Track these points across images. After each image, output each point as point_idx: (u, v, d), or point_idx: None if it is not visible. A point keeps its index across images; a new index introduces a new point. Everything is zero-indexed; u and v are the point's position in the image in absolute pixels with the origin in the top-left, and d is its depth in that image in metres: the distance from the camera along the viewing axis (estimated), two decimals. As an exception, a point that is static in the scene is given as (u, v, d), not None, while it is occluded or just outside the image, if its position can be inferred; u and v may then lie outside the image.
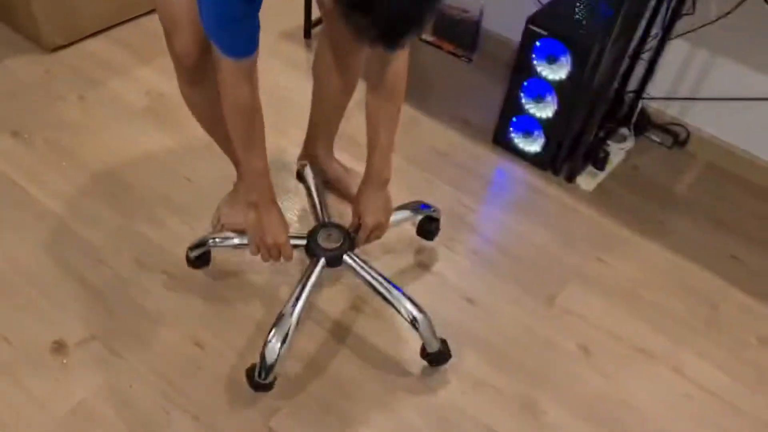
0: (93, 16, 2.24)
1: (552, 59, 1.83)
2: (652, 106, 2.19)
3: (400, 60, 1.34)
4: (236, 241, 1.57)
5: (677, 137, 2.17)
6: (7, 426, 1.34)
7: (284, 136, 1.99)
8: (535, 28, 1.80)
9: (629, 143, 2.16)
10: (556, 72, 1.85)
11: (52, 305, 1.55)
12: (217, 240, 1.62)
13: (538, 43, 1.82)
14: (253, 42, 1.20)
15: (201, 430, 1.38)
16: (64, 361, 1.45)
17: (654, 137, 2.20)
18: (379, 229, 1.51)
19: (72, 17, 2.18)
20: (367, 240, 1.52)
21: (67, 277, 1.60)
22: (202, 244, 1.60)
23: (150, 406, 1.40)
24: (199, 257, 1.64)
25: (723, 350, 1.65)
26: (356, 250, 1.53)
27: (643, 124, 2.19)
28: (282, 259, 1.44)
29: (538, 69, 1.87)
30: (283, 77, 2.24)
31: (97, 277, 1.61)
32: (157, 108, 2.07)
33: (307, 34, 2.42)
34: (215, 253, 1.67)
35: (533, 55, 1.85)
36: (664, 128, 2.18)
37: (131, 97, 2.08)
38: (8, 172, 1.82)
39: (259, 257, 1.44)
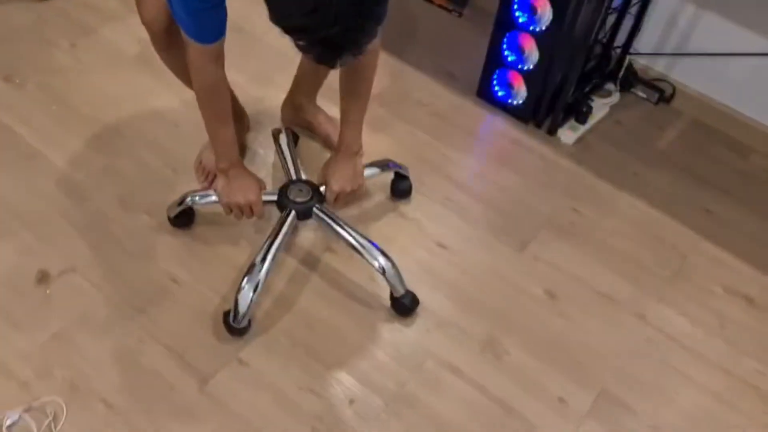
0: (87, -35, 2.27)
1: (533, 10, 1.84)
2: (640, 62, 2.20)
3: (373, 45, 1.38)
4: (214, 198, 1.60)
5: (663, 93, 2.17)
6: (-9, 349, 1.42)
7: (272, 86, 2.02)
8: (515, -22, 1.81)
9: (614, 98, 2.16)
10: (537, 23, 1.86)
11: (37, 239, 1.62)
12: (196, 198, 1.62)
13: (519, -7, 1.83)
14: (219, 29, 1.25)
15: (172, 359, 1.45)
16: (48, 291, 1.53)
17: (640, 93, 2.20)
18: (343, 194, 1.58)
19: (66, -35, 2.22)
20: (336, 204, 1.60)
21: (52, 213, 1.67)
22: (181, 201, 1.62)
23: (125, 336, 1.47)
24: (180, 216, 1.65)
25: (687, 298, 1.68)
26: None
27: (630, 80, 2.19)
28: (254, 216, 1.54)
29: (520, 20, 1.88)
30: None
31: (80, 214, 1.68)
32: (148, 56, 2.06)
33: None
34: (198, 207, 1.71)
35: (515, 6, 1.86)
36: (650, 84, 2.18)
37: (123, 44, 2.13)
38: (1, 115, 1.88)
39: (233, 216, 1.54)
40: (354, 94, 1.51)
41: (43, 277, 1.55)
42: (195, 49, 1.28)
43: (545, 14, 1.82)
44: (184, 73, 1.51)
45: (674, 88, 2.16)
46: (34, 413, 1.34)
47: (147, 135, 1.88)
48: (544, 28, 1.85)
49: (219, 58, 1.33)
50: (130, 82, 2.02)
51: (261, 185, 1.55)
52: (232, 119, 1.46)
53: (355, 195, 1.64)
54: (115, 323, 1.49)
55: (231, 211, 1.54)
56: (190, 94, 1.63)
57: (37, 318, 1.48)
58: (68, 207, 1.69)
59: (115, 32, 2.16)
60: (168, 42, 1.44)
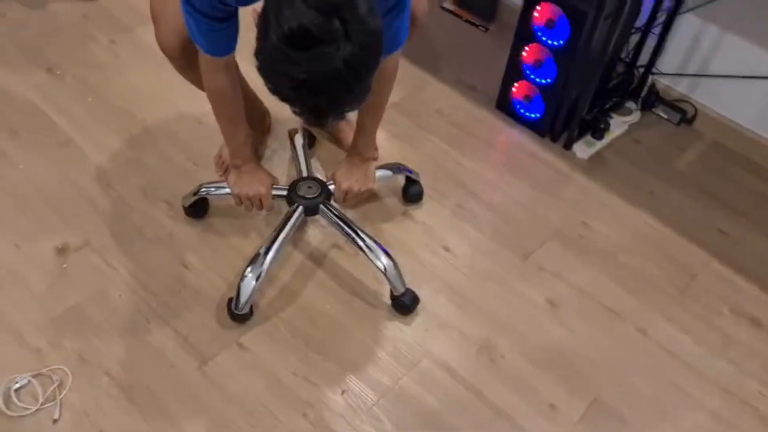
0: (132, -31, 2.39)
1: (551, 24, 1.87)
2: (662, 82, 2.20)
3: (392, 60, 1.46)
4: (227, 190, 1.64)
5: (685, 114, 2.16)
6: (8, 320, 1.50)
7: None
8: (535, -8, 1.85)
9: (634, 117, 2.17)
10: (555, 38, 1.89)
11: (60, 219, 1.71)
12: (210, 189, 1.69)
13: (538, 8, 1.86)
14: (229, 45, 1.33)
15: (176, 340, 1.51)
16: (64, 265, 1.61)
17: (662, 113, 2.20)
18: (351, 194, 1.64)
19: (112, -32, 2.35)
20: (345, 203, 1.66)
21: (77, 197, 1.76)
22: (196, 192, 1.69)
23: (134, 315, 1.54)
24: (194, 205, 1.72)
25: (692, 317, 1.67)
26: (333, 202, 1.65)
27: (652, 100, 2.19)
28: (264, 209, 1.61)
29: (539, 34, 1.91)
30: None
31: (103, 199, 1.76)
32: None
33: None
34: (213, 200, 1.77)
35: (534, 20, 1.90)
36: (672, 105, 2.18)
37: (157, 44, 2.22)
38: (39, 103, 1.99)
39: (243, 208, 1.62)
40: (370, 105, 1.55)
41: (61, 252, 1.63)
42: (205, 59, 1.36)
43: (563, 28, 1.85)
44: (200, 87, 1.59)
45: (696, 110, 2.15)
46: (42, 379, 1.41)
47: (172, 130, 1.96)
48: (561, 43, 1.87)
49: (229, 67, 1.40)
50: (160, 80, 2.11)
51: (272, 180, 1.61)
52: (244, 120, 1.53)
53: (363, 196, 1.69)
54: (127, 302, 1.56)
55: (242, 202, 1.60)
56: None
57: (54, 291, 1.56)
58: (93, 192, 1.78)
59: (150, 33, 2.23)
60: (185, 64, 1.51)
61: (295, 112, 1.09)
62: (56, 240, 1.66)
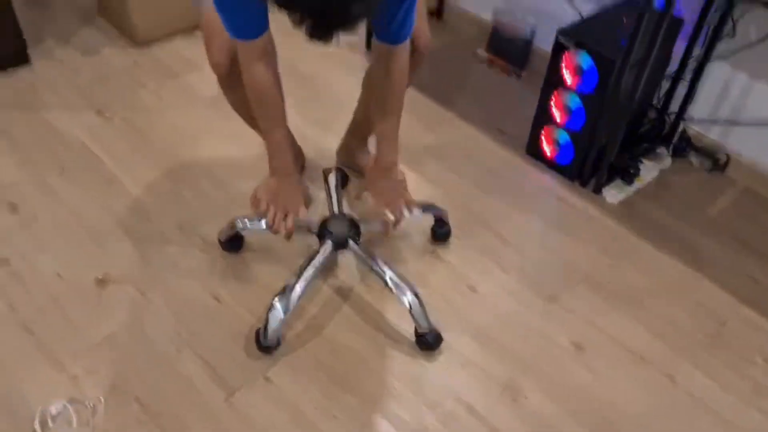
0: (179, 17, 2.53)
1: (579, 71, 1.91)
2: (694, 129, 2.20)
3: (403, 59, 1.48)
4: (262, 226, 1.71)
5: (717, 161, 2.16)
6: (48, 346, 1.57)
7: (330, 132, 2.17)
8: (563, 39, 1.89)
9: (665, 163, 2.17)
10: (584, 85, 1.92)
11: (101, 250, 1.79)
12: (246, 223, 1.75)
13: (566, 55, 1.91)
14: (258, 24, 1.33)
15: (205, 370, 1.55)
16: (102, 295, 1.68)
17: (693, 160, 2.20)
18: (394, 205, 1.59)
19: (162, 17, 2.50)
20: (394, 216, 1.58)
21: (117, 230, 1.84)
22: (231, 226, 1.76)
23: (165, 344, 1.59)
24: (230, 240, 1.79)
25: (723, 364, 1.64)
26: (362, 238, 1.69)
27: (683, 146, 2.20)
28: (285, 228, 1.53)
29: (568, 80, 1.95)
30: (340, 82, 2.43)
31: (142, 233, 1.84)
32: (221, 99, 2.31)
33: (369, 45, 2.61)
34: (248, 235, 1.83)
35: (562, 67, 1.94)
36: (704, 151, 2.18)
37: (201, 89, 2.34)
38: (89, 143, 2.11)
39: (260, 213, 1.57)
40: (385, 112, 1.55)
41: (100, 282, 1.71)
42: (240, 48, 1.36)
43: (592, 75, 1.89)
44: (246, 112, 1.67)
45: (728, 157, 2.15)
46: (77, 406, 1.46)
47: (211, 168, 2.05)
48: (589, 90, 1.91)
49: (265, 56, 1.37)
50: (201, 121, 2.21)
51: (310, 199, 1.58)
52: (285, 122, 1.51)
53: (401, 204, 1.62)
54: (159, 332, 1.62)
55: (266, 211, 1.54)
56: (252, 134, 1.79)
57: (92, 320, 1.63)
58: (133, 226, 1.86)
59: (195, 77, 2.39)
60: (232, 83, 1.59)
61: (295, 22, 1.02)
62: (96, 271, 1.74)
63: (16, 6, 2.26)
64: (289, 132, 1.59)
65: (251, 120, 1.72)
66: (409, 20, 1.40)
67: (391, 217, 1.59)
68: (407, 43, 1.44)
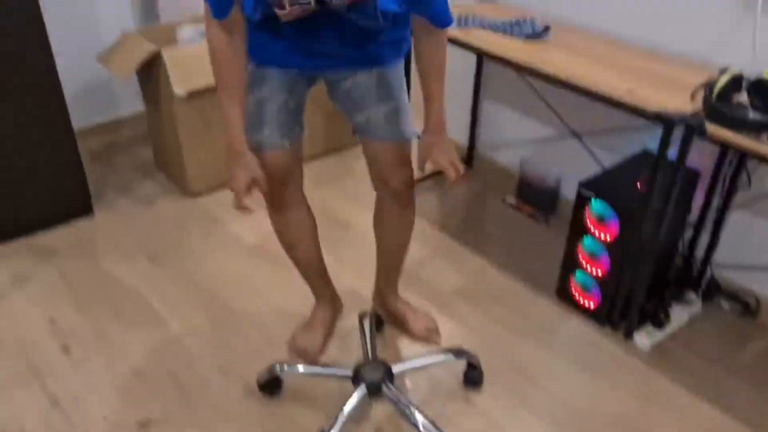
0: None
1: (602, 219, 2.01)
2: (723, 274, 2.25)
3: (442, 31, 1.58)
4: (301, 369, 1.78)
5: (747, 306, 2.18)
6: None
7: (364, 278, 2.28)
8: (584, 191, 2.01)
9: (695, 307, 2.20)
10: (606, 233, 2.02)
11: (145, 393, 1.86)
12: (284, 368, 1.84)
13: (589, 205, 2.02)
14: (222, 8, 1.44)
15: None
16: (144, 440, 1.74)
17: (723, 304, 2.22)
18: (453, 167, 1.68)
19: (212, 170, 2.72)
20: (455, 173, 1.68)
21: (160, 371, 1.93)
22: (269, 370, 1.84)
23: (202, 489, 1.62)
24: (268, 383, 1.86)
25: None
26: (395, 385, 1.74)
27: (712, 291, 2.23)
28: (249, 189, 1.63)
29: (591, 229, 2.05)
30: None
31: (185, 375, 1.92)
32: (265, 247, 2.46)
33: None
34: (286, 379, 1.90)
35: (586, 215, 2.05)
36: (733, 296, 2.21)
37: (246, 236, 2.51)
38: (141, 288, 2.25)
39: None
40: (429, 73, 1.62)
41: (142, 425, 1.77)
42: (209, 20, 1.47)
43: (613, 224, 1.98)
44: (286, 237, 1.82)
45: (758, 301, 2.17)
46: None
47: (253, 312, 2.16)
48: (612, 238, 2.00)
49: (227, 30, 1.46)
50: (245, 267, 2.35)
51: (259, 179, 1.63)
52: (241, 98, 1.55)
53: (458, 167, 1.70)
54: (196, 477, 1.65)
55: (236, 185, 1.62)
56: (291, 280, 1.90)
57: (132, 463, 1.68)
58: (176, 368, 1.94)
59: (240, 226, 2.57)
60: (276, 206, 1.75)
61: None
62: (139, 413, 1.81)
63: (84, 161, 2.51)
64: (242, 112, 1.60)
65: (293, 250, 1.86)
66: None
67: (453, 175, 1.66)
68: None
